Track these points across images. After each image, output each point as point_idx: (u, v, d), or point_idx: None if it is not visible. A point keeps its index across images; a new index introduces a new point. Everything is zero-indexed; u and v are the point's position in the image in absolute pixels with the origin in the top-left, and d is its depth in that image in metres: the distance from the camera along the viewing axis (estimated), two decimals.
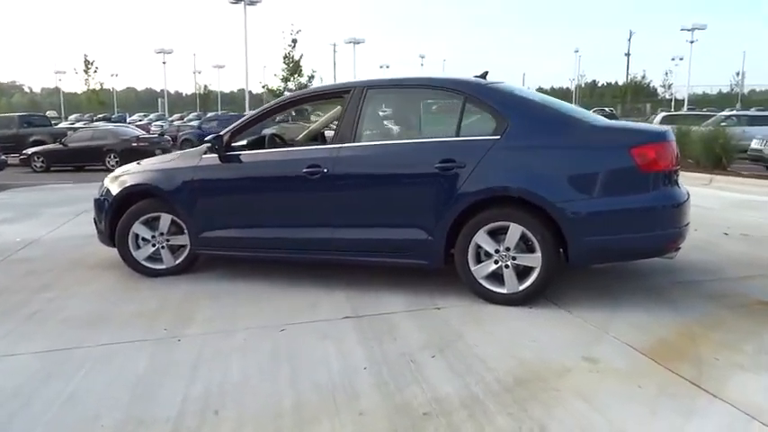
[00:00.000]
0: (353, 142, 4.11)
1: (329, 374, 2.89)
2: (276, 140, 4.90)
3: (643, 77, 59.26)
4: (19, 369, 3.02)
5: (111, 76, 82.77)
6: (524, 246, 3.74)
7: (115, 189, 4.76)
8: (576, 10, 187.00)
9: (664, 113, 24.36)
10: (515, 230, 3.71)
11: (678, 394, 2.61)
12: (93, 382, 2.87)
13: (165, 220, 4.64)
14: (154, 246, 4.69)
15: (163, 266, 4.71)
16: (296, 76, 27.74)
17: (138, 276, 4.67)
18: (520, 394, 2.64)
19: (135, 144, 16.87)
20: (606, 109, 53.62)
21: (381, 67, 76.92)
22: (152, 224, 4.67)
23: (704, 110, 35.76)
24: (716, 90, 75.68)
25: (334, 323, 3.60)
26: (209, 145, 4.40)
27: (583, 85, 74.51)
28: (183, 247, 4.71)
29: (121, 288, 4.42)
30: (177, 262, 4.72)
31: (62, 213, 8.04)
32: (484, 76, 4.45)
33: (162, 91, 61.12)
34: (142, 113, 60.44)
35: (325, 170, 4.06)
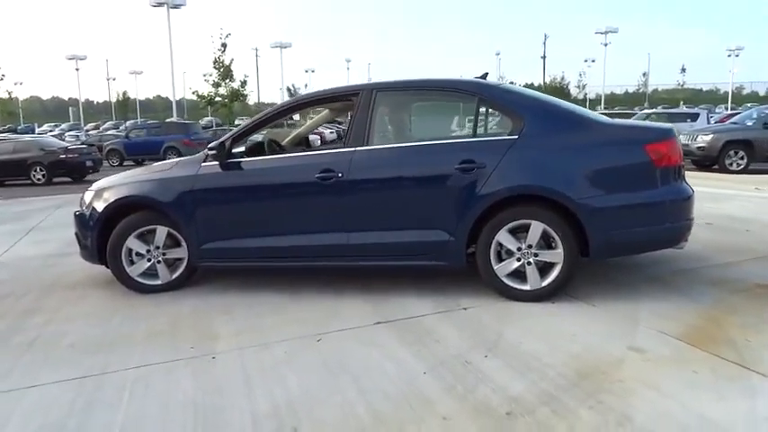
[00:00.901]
0: (367, 145, 4.06)
1: (391, 381, 2.83)
2: (274, 146, 4.76)
3: (562, 78, 62.00)
4: (51, 401, 2.76)
5: (15, 84, 77.39)
6: (544, 242, 3.82)
7: (103, 202, 4.46)
8: (496, 13, 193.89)
9: None
10: (537, 228, 3.78)
11: (734, 377, 2.75)
12: (143, 407, 2.67)
13: (161, 232, 4.40)
14: (149, 260, 4.44)
15: (159, 282, 4.47)
16: (227, 81, 27.00)
17: (130, 294, 4.41)
18: (589, 387, 2.69)
19: (63, 156, 15.88)
20: None
21: (307, 71, 76.44)
22: (146, 238, 4.42)
23: (616, 109, 38.00)
24: (623, 90, 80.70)
25: (369, 330, 3.53)
26: (212, 152, 4.20)
27: None
28: (180, 260, 4.48)
29: (118, 307, 4.14)
30: (174, 276, 4.49)
31: (9, 232, 7.47)
32: (484, 77, 4.52)
33: (72, 99, 57.83)
34: (52, 124, 57.07)
35: (340, 175, 3.99)
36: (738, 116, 15.25)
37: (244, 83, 27.50)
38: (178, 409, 2.64)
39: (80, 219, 4.63)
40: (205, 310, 4.02)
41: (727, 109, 38.09)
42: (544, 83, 69.45)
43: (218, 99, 27.52)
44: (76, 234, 4.73)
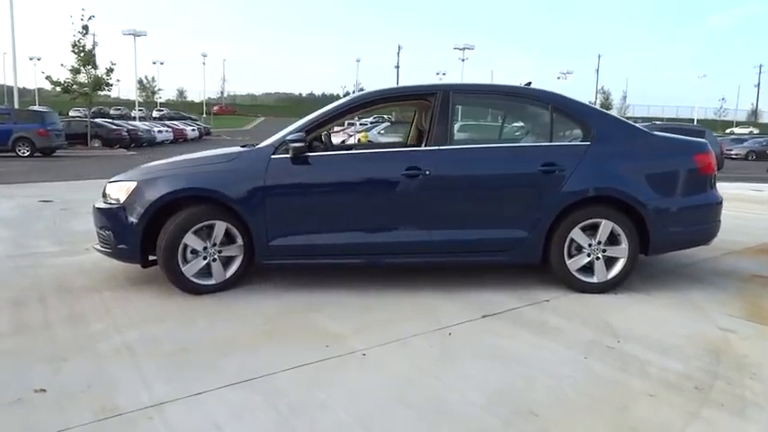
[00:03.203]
0: (449, 145, 4.17)
1: (565, 365, 3.01)
2: (329, 142, 4.66)
3: None
4: (244, 403, 2.54)
5: None
6: (609, 239, 4.23)
7: (152, 194, 4.04)
8: (355, 22, 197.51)
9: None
10: (607, 226, 4.18)
11: None
12: (362, 404, 2.57)
13: (220, 228, 4.11)
14: (205, 258, 4.11)
15: (212, 282, 4.16)
16: (89, 66, 24.49)
17: (174, 295, 4.06)
18: (730, 362, 3.10)
19: None
20: (384, 116, 57.91)
21: (155, 63, 71.74)
22: (201, 234, 4.10)
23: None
24: None
25: (483, 322, 3.66)
26: (297, 145, 4.01)
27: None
28: (232, 258, 4.21)
29: (186, 310, 3.81)
30: (228, 276, 4.20)
31: None
32: (528, 85, 4.85)
33: None
34: None
35: (427, 172, 4.06)
36: None
37: (110, 70, 25.13)
38: (397, 403, 2.58)
39: (113, 213, 4.15)
40: (293, 310, 3.84)
41: None
42: None
43: (75, 87, 24.85)
44: (104, 231, 4.22)
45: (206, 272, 4.14)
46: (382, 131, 22.56)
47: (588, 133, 4.27)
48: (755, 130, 61.97)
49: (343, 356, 3.10)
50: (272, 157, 4.11)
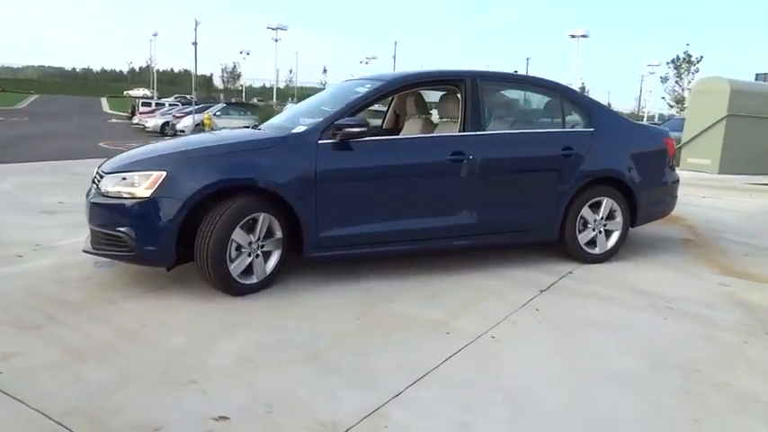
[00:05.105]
0: (485, 130, 4.33)
1: (672, 331, 3.39)
2: None
3: (235, 68, 62.60)
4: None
5: None
6: (607, 215, 4.78)
7: (188, 185, 3.54)
8: None
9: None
10: (608, 203, 4.72)
11: None
12: (562, 381, 2.66)
13: (264, 221, 3.76)
14: (249, 255, 3.74)
15: (254, 281, 3.80)
16: None
17: (227, 298, 3.67)
18: (762, 309, 3.79)
19: None
20: (187, 96, 55.15)
21: None
22: (245, 228, 3.71)
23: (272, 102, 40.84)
24: (272, 84, 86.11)
25: (546, 296, 3.91)
26: (354, 129, 3.80)
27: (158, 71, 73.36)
28: (270, 253, 3.89)
29: (255, 313, 3.47)
30: (268, 273, 3.87)
31: None
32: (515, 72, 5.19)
33: None
34: None
35: (470, 157, 4.17)
36: None
37: None
38: (569, 371, 2.73)
39: (135, 210, 3.55)
40: (366, 301, 3.71)
41: None
42: (196, 69, 69.09)
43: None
44: (118, 231, 3.57)
45: (245, 270, 3.76)
46: (218, 113, 21.47)
47: (591, 120, 4.74)
48: None
49: (478, 340, 3.14)
50: (320, 142, 3.86)
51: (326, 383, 2.62)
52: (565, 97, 4.76)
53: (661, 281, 4.36)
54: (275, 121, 4.90)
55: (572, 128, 4.75)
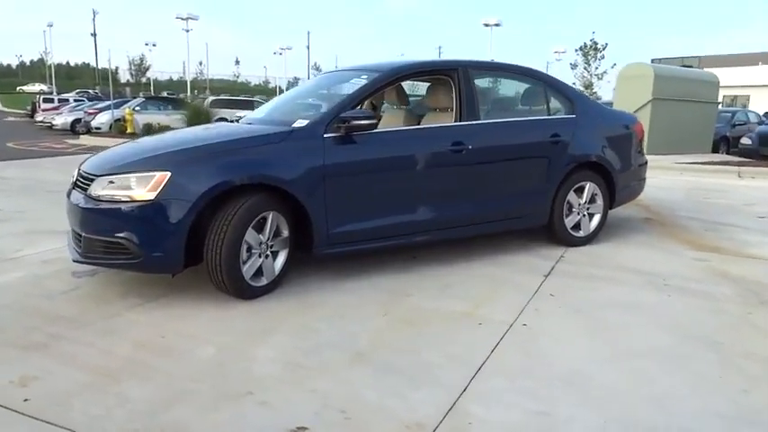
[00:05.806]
0: (479, 119, 4.35)
1: (682, 307, 3.55)
2: None
3: (142, 61, 59.35)
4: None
5: None
6: (589, 199, 4.97)
7: (196, 185, 3.33)
8: None
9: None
10: (590, 188, 4.90)
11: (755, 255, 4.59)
12: (613, 361, 2.73)
13: (273, 220, 3.62)
14: (260, 256, 3.58)
15: (264, 282, 3.65)
16: None
17: (240, 302, 3.51)
18: (742, 279, 4.07)
19: None
20: (89, 91, 52.02)
21: None
22: (256, 228, 3.55)
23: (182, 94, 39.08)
24: (179, 77, 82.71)
25: (554, 280, 4.01)
26: (362, 122, 3.71)
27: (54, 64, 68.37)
28: (278, 253, 3.75)
29: (280, 315, 3.33)
30: (277, 273, 3.73)
31: None
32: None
33: None
34: None
35: (470, 147, 4.19)
36: None
37: None
38: (613, 354, 2.83)
39: (137, 214, 3.31)
40: (386, 295, 3.65)
41: None
42: (97, 62, 65.44)
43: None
44: (117, 238, 3.31)
45: (255, 272, 3.60)
46: (137, 108, 20.34)
47: (572, 107, 4.88)
48: None
49: (513, 329, 3.17)
50: (326, 135, 3.74)
51: (388, 383, 2.55)
52: (548, 85, 4.88)
53: (645, 259, 4.58)
54: (259, 115, 4.70)
55: (556, 115, 4.88)
